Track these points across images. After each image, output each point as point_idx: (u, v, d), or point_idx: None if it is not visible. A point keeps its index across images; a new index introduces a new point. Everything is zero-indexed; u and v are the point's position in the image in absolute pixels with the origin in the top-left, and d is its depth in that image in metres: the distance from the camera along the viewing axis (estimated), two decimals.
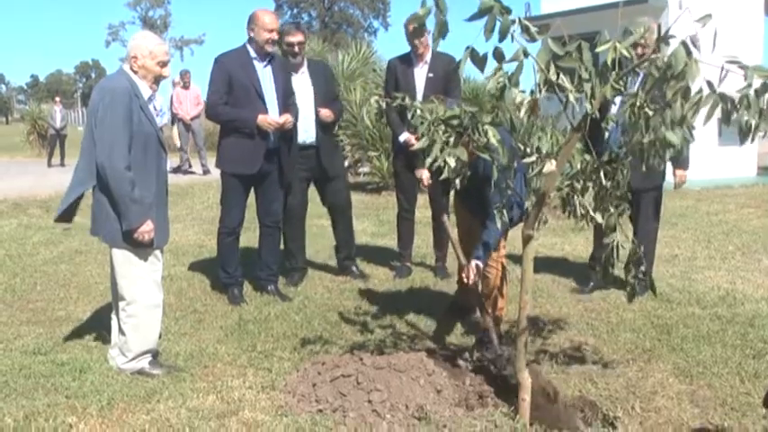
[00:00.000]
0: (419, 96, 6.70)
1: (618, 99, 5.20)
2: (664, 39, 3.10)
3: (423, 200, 7.94)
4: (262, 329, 5.68)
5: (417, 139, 6.30)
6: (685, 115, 2.97)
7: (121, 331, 4.84)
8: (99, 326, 5.75)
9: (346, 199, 7.37)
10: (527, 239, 3.88)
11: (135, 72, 4.66)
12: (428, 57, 6.97)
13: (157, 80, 4.77)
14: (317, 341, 5.35)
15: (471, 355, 4.96)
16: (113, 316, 5.00)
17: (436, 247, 7.59)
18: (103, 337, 5.41)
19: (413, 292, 6.77)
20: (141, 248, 4.68)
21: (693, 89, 2.99)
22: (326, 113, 6.79)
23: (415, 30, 3.13)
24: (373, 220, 10.85)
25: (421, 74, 7.00)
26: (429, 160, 3.63)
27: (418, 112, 3.67)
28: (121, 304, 4.80)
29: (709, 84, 2.93)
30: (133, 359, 4.81)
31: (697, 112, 2.96)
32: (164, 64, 4.72)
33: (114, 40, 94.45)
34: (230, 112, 6.22)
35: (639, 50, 5.00)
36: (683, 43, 2.87)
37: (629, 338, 5.40)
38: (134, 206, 4.51)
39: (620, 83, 3.27)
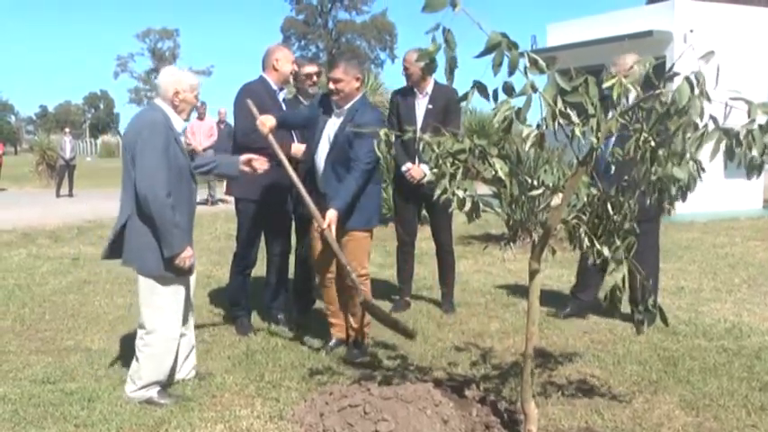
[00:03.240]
0: (419, 126, 6.81)
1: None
2: (668, 74, 3.14)
3: (427, 231, 7.97)
4: (269, 359, 5.70)
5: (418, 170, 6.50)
6: (686, 149, 3.01)
7: (135, 358, 4.88)
8: (107, 356, 5.79)
9: None
10: (533, 272, 3.91)
11: (175, 106, 4.85)
12: (429, 88, 7.06)
13: (191, 111, 5.02)
14: (325, 371, 5.37)
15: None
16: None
17: (441, 282, 7.55)
18: (112, 366, 5.45)
19: (420, 324, 6.77)
20: (169, 278, 4.77)
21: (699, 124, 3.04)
22: None
23: (428, 66, 3.16)
24: (380, 251, 10.86)
25: (421, 105, 7.08)
26: (438, 192, 3.67)
27: (426, 144, 3.71)
28: (140, 332, 4.86)
29: (714, 119, 2.97)
30: (142, 388, 4.83)
31: (700, 147, 2.99)
32: (197, 95, 4.98)
33: (123, 71, 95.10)
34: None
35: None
36: (687, 79, 2.92)
37: (635, 370, 5.40)
38: (176, 231, 4.64)
39: (625, 118, 3.32)
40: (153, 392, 4.85)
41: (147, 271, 4.75)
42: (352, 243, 5.68)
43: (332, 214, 5.39)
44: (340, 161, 5.52)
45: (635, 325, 4.19)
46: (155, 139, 4.62)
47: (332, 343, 5.96)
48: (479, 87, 3.14)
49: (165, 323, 4.83)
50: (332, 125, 5.65)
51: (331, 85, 5.58)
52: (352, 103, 5.63)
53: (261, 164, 5.42)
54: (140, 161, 4.60)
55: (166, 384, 5.00)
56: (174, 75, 4.93)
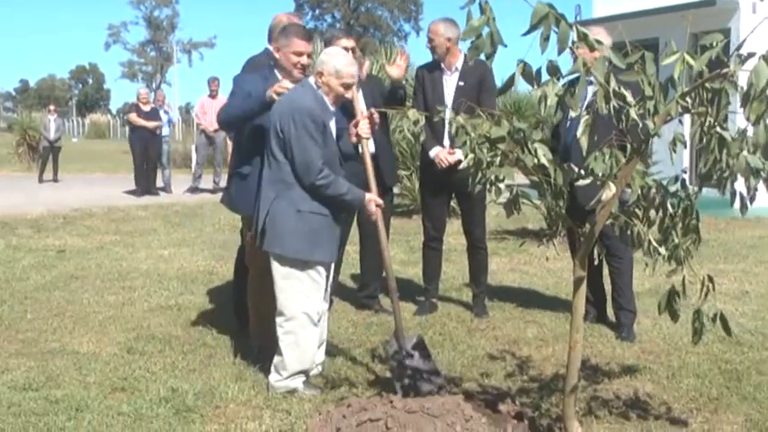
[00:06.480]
0: (448, 107, 6.70)
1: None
2: (737, 50, 3.12)
3: (456, 225, 7.97)
4: None
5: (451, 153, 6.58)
6: None
7: (277, 349, 5.18)
8: (97, 360, 5.82)
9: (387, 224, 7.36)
10: (578, 279, 3.90)
11: (319, 87, 5.13)
12: (458, 63, 7.02)
13: (338, 100, 5.21)
14: (342, 381, 5.39)
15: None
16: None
17: (472, 282, 7.55)
18: (103, 371, 5.49)
19: (448, 329, 6.78)
20: (308, 263, 5.13)
21: None
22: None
23: (475, 45, 3.15)
24: (403, 246, 10.88)
25: (450, 82, 7.04)
26: (474, 182, 3.68)
27: (460, 127, 3.70)
28: (279, 320, 5.16)
29: None
30: (288, 378, 5.18)
31: None
32: (347, 86, 5.18)
33: (115, 42, 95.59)
34: None
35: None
36: (765, 58, 2.88)
37: (692, 385, 5.38)
38: (348, 197, 5.16)
39: (687, 99, 3.30)
40: (298, 383, 5.21)
41: (285, 253, 5.10)
42: None
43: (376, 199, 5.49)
44: None
45: (693, 334, 4.14)
46: (304, 125, 4.99)
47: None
48: (525, 70, 3.13)
49: (305, 308, 5.15)
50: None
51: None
52: None
53: (365, 131, 5.50)
54: (294, 150, 5.01)
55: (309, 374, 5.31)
56: (325, 55, 5.23)
